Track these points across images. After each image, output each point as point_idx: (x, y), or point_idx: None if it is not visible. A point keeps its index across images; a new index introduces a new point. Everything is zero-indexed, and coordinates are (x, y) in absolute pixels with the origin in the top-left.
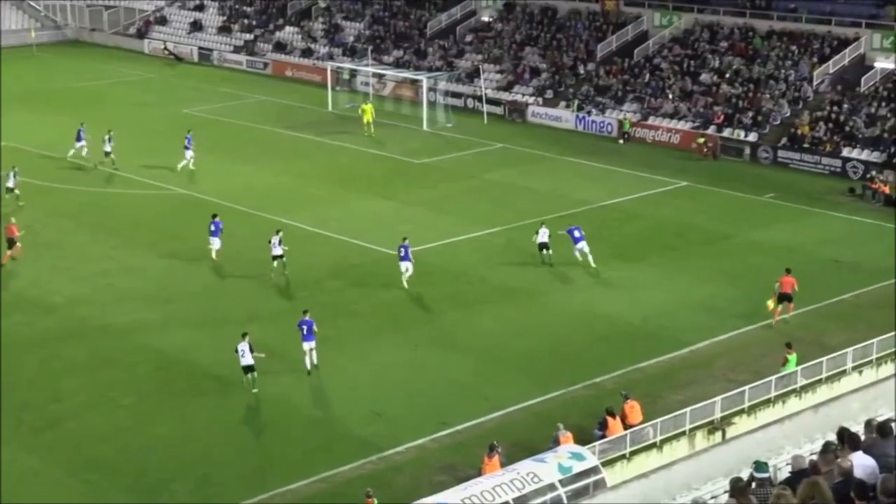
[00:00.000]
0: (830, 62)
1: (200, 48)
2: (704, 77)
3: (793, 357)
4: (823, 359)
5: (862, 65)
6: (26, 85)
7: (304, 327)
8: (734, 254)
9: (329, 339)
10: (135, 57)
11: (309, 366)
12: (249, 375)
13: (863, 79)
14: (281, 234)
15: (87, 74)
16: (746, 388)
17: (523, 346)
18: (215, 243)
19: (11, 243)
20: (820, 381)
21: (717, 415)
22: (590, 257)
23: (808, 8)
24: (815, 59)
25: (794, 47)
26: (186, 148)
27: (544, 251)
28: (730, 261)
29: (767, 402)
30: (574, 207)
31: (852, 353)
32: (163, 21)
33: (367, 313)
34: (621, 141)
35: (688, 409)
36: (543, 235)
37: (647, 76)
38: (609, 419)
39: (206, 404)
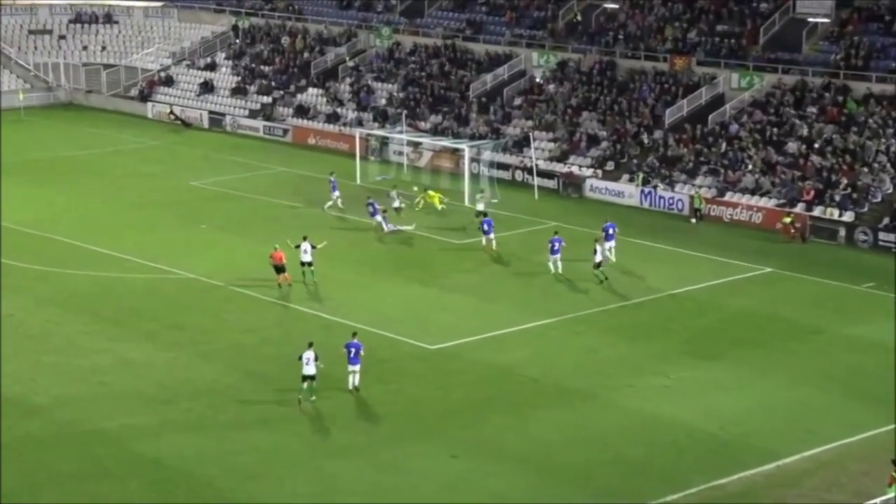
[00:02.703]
0: None
1: (211, 112)
2: (791, 147)
3: None
4: None
5: None
6: (12, 153)
7: (352, 350)
8: (827, 352)
9: (353, 446)
10: (136, 122)
11: (351, 386)
12: (306, 384)
13: None
14: (309, 239)
15: (81, 141)
16: None
17: (580, 458)
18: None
19: None
20: None
21: None
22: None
23: None
24: None
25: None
26: (333, 189)
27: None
28: (822, 360)
29: None
30: (639, 295)
31: None
32: (169, 82)
33: (397, 415)
34: (693, 220)
35: None
36: (598, 254)
37: (724, 145)
38: None
39: None
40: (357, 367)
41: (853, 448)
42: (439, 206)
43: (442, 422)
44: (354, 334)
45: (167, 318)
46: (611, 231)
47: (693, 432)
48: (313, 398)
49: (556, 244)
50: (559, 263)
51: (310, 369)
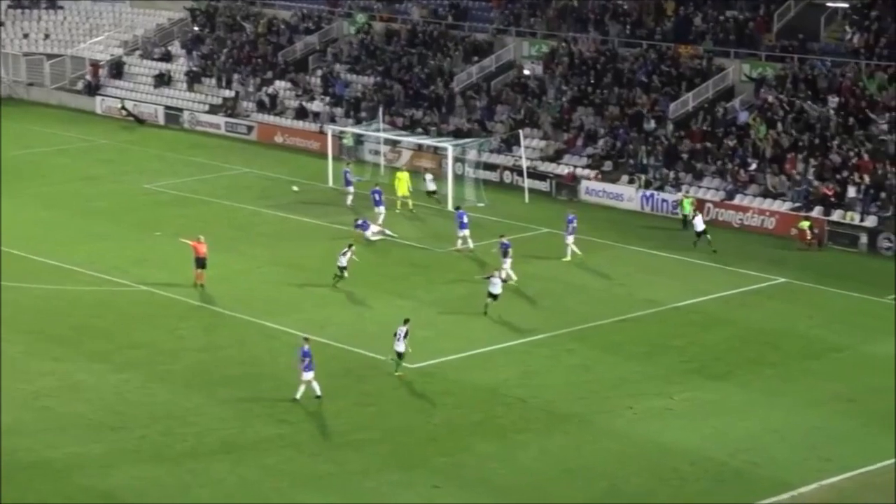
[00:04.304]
0: None
1: (167, 107)
2: (806, 143)
3: None
4: None
5: None
6: None
7: (307, 357)
8: (847, 371)
9: (326, 476)
10: (83, 118)
11: (299, 395)
12: (390, 359)
13: None
14: (353, 248)
15: (21, 140)
16: None
17: (573, 490)
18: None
19: None
20: None
21: None
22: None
23: None
24: None
25: None
26: (378, 203)
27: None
28: (841, 380)
29: None
30: (639, 309)
31: None
32: (119, 73)
33: (374, 442)
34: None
35: None
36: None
37: (734, 143)
38: None
39: None
40: (310, 375)
41: (874, 477)
42: (405, 193)
43: (423, 449)
44: (307, 339)
45: (119, 335)
46: (572, 224)
47: (698, 460)
48: (398, 373)
49: (572, 223)
50: (573, 249)
51: (400, 347)
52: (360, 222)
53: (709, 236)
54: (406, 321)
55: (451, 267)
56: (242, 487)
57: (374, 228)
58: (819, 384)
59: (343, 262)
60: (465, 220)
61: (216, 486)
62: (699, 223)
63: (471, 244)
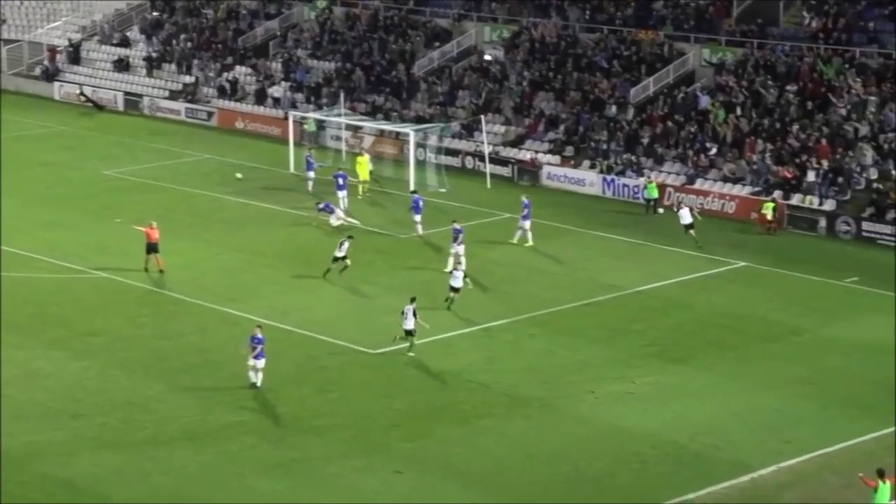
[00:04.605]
0: None
1: (126, 93)
2: (766, 127)
3: (885, 487)
4: None
5: None
6: None
7: (259, 345)
8: (807, 354)
9: (289, 463)
10: (41, 104)
11: (251, 382)
12: (399, 337)
13: None
14: (352, 240)
15: None
16: None
17: (535, 474)
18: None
19: None
20: None
21: None
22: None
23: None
24: None
25: (880, 89)
26: (341, 188)
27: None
28: (801, 363)
29: None
30: (601, 293)
31: None
32: (77, 59)
33: (336, 428)
34: (661, 210)
35: None
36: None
37: (694, 127)
38: None
39: None
40: (261, 363)
41: (833, 459)
42: (366, 177)
43: (385, 434)
44: (259, 327)
45: (79, 322)
46: (527, 209)
47: (660, 443)
48: (411, 354)
49: (526, 209)
50: (529, 234)
51: (408, 324)
52: (322, 206)
53: (692, 232)
54: (412, 300)
55: (414, 253)
56: (204, 474)
57: (338, 213)
58: (779, 367)
59: (341, 252)
60: (421, 204)
61: (177, 473)
62: (686, 216)
63: (420, 231)
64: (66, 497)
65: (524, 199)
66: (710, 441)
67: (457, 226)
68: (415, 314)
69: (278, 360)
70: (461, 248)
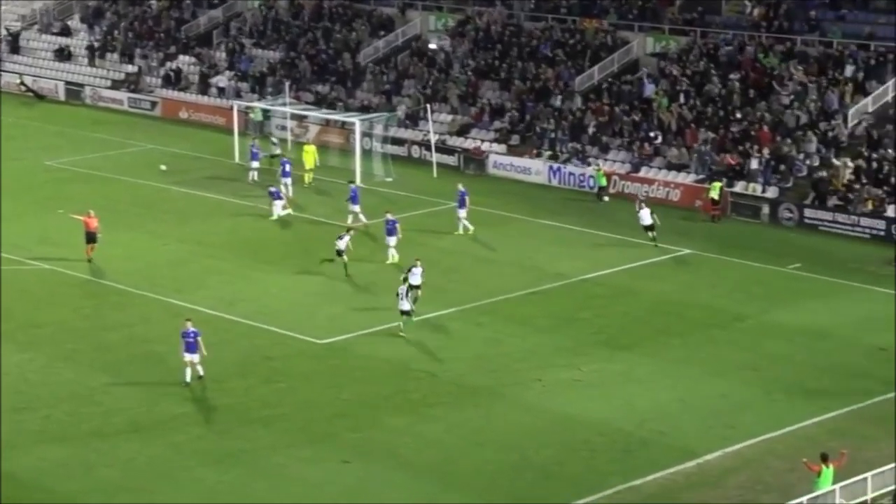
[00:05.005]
0: (870, 98)
1: (68, 83)
2: (710, 115)
3: (828, 471)
4: (868, 475)
5: None
6: None
7: (190, 338)
8: (750, 340)
9: (236, 453)
10: None
11: (189, 378)
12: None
13: None
14: (352, 233)
15: None
16: None
17: (483, 461)
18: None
19: None
20: (864, 503)
21: None
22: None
23: (842, 28)
24: (849, 92)
25: (822, 78)
26: (285, 175)
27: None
28: (745, 349)
29: None
30: (547, 282)
31: None
32: (17, 48)
33: (283, 419)
34: (606, 199)
35: None
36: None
37: (639, 116)
38: None
39: None
40: (196, 358)
41: (777, 444)
42: (312, 165)
43: (332, 424)
44: (189, 320)
45: (22, 314)
46: (464, 199)
47: (607, 431)
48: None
49: (463, 197)
50: (466, 223)
51: (416, 279)
52: (272, 190)
53: (651, 234)
54: (404, 280)
55: (361, 242)
56: (150, 466)
57: (281, 203)
58: (723, 353)
59: (341, 245)
60: (357, 195)
61: (123, 465)
62: (646, 217)
63: (350, 221)
64: (9, 490)
65: (460, 188)
66: (656, 427)
67: (390, 217)
68: (408, 293)
69: (225, 350)
70: (393, 240)
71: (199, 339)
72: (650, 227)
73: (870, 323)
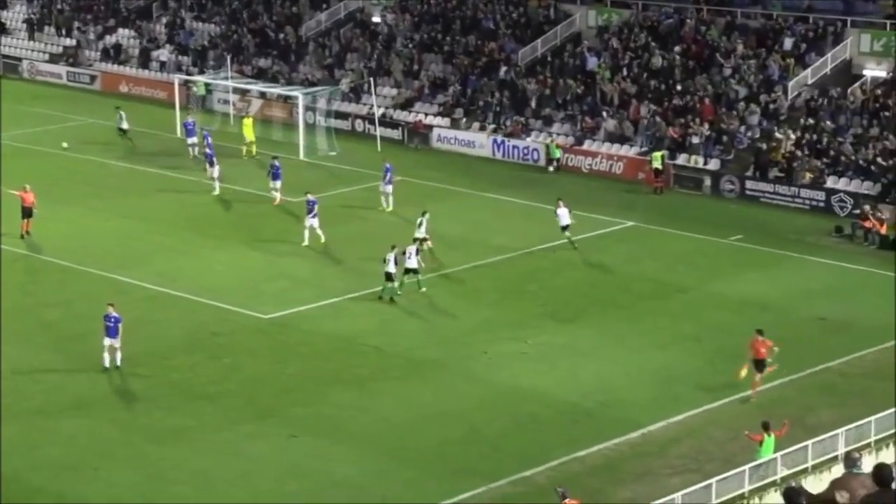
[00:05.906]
0: (809, 70)
1: (5, 57)
2: (652, 89)
3: (770, 440)
4: (809, 442)
5: (848, 72)
6: None
7: (111, 322)
8: (693, 311)
9: (181, 430)
10: None
11: (108, 364)
12: (412, 279)
13: (849, 90)
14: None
15: None
16: (713, 480)
17: (430, 436)
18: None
19: None
20: (805, 470)
21: None
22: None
23: (781, 1)
24: (789, 65)
25: (762, 50)
26: (274, 177)
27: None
28: (688, 320)
29: (741, 498)
30: (492, 255)
31: (844, 435)
32: None
33: (229, 394)
34: (550, 169)
35: None
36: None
37: (582, 89)
38: None
39: None
40: (116, 343)
41: (720, 413)
42: (251, 138)
43: (279, 399)
44: (111, 305)
45: None
46: (389, 174)
47: (553, 402)
48: (423, 289)
49: (388, 172)
50: (391, 199)
51: (412, 263)
52: (208, 153)
53: (568, 233)
54: (393, 247)
55: (277, 218)
56: (94, 444)
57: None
58: (666, 324)
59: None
60: (280, 172)
61: (67, 443)
62: (564, 216)
63: (278, 197)
64: None
65: (386, 164)
66: (601, 399)
67: (311, 197)
68: (401, 255)
69: (169, 327)
70: (315, 221)
71: (119, 325)
72: (566, 228)
73: (810, 293)
